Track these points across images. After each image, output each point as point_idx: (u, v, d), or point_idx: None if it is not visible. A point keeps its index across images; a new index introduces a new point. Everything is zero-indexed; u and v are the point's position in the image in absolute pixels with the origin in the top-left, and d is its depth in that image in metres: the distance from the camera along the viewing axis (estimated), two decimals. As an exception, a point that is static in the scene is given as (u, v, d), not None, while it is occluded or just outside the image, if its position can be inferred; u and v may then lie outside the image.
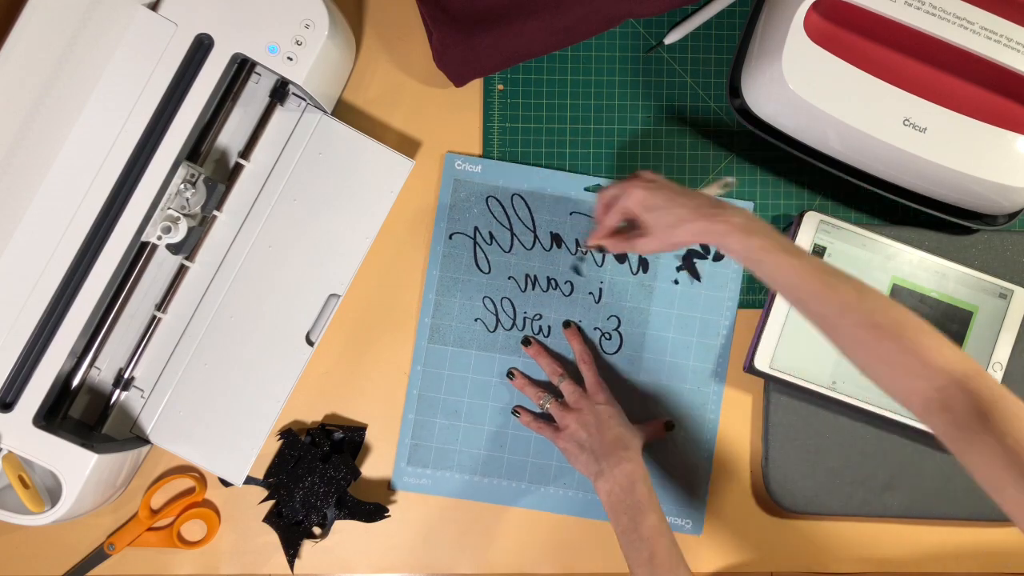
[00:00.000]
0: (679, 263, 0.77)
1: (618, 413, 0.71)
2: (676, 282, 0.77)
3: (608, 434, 0.69)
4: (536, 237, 0.77)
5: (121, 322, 0.70)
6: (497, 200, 0.77)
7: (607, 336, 0.77)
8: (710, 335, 0.77)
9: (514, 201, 0.77)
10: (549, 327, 0.77)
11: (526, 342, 0.76)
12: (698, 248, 0.77)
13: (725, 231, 0.60)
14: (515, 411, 0.75)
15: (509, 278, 0.77)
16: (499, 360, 0.76)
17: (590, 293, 0.77)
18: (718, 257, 0.77)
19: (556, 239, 0.77)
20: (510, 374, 0.76)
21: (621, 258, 0.77)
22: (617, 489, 0.66)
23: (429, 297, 0.76)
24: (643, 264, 0.77)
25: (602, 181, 0.77)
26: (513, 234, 0.77)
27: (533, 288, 0.77)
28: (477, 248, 0.77)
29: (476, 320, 0.77)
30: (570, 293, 0.77)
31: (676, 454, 0.76)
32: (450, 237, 0.77)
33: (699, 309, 0.77)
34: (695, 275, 0.76)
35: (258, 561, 0.75)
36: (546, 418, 0.74)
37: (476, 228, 0.77)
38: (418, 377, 0.76)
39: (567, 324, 0.76)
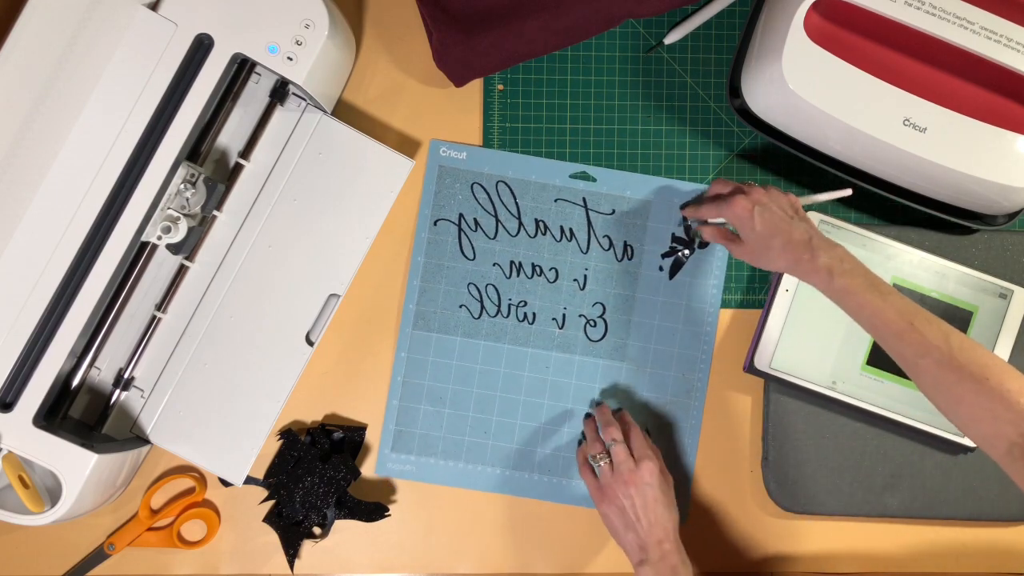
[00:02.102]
0: (665, 250, 0.77)
1: (663, 495, 0.68)
2: (661, 268, 0.77)
3: (656, 525, 0.66)
4: (521, 224, 0.77)
5: (121, 322, 0.70)
6: (482, 186, 0.77)
7: (592, 323, 0.77)
8: (695, 322, 0.77)
9: (499, 188, 0.77)
10: (534, 314, 0.77)
11: (588, 415, 0.76)
12: (683, 235, 0.77)
13: (809, 271, 0.64)
14: (586, 419, 0.75)
15: (494, 265, 0.77)
16: (484, 347, 0.76)
17: (575, 280, 0.77)
18: (703, 245, 0.77)
19: (541, 226, 0.77)
20: (589, 415, 0.76)
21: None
22: None
23: (414, 283, 0.76)
24: (628, 250, 0.77)
25: (588, 169, 0.77)
26: (498, 221, 0.77)
27: (518, 275, 0.77)
28: (462, 234, 0.77)
29: (461, 307, 0.76)
30: (555, 280, 0.77)
31: (661, 442, 0.76)
32: (435, 223, 0.77)
33: (684, 296, 0.77)
34: (675, 269, 0.77)
35: (258, 561, 0.75)
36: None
37: (461, 215, 0.77)
38: (402, 363, 0.76)
39: (598, 403, 0.76)
